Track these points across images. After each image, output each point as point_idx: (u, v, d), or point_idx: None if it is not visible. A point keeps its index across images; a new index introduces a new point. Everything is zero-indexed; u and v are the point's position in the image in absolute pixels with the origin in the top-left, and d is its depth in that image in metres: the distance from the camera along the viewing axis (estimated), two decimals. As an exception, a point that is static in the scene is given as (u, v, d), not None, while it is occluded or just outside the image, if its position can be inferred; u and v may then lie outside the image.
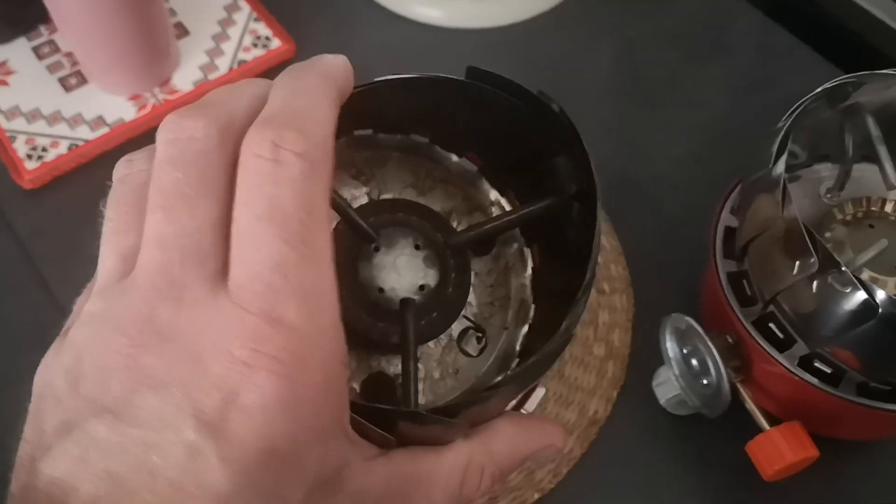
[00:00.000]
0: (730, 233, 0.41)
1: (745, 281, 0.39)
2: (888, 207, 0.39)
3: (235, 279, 0.21)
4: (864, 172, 0.41)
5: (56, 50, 0.55)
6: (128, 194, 0.23)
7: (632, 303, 0.47)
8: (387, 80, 0.32)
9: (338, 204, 0.33)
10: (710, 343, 0.38)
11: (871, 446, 0.44)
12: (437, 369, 0.34)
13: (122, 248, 0.23)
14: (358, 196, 0.36)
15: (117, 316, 0.21)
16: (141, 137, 0.52)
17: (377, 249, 0.34)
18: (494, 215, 0.36)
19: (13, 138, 0.51)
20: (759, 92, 0.55)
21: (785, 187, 0.34)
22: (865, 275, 0.36)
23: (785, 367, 0.37)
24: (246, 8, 0.57)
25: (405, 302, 0.33)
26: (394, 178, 0.37)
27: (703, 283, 0.43)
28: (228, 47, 0.56)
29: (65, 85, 0.54)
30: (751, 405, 0.39)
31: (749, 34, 0.58)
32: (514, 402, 0.35)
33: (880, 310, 0.32)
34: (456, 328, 0.35)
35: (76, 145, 0.51)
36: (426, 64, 0.55)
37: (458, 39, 0.58)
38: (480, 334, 0.35)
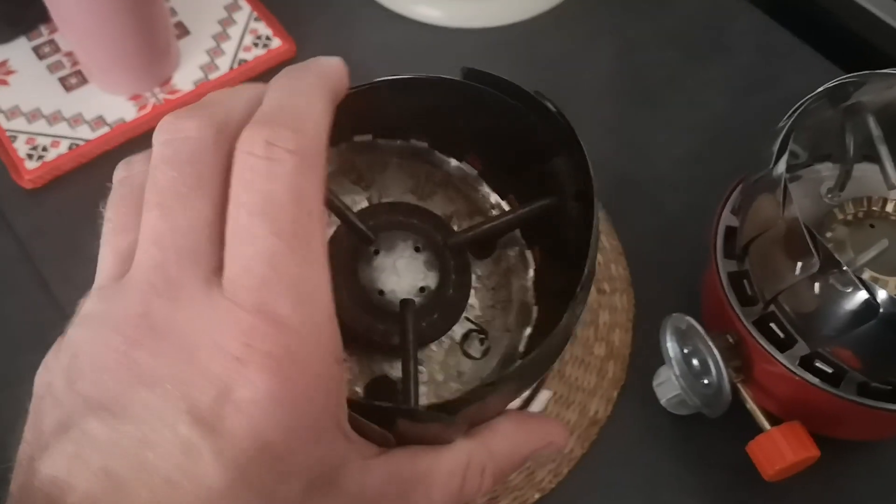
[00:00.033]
0: (730, 232, 0.41)
1: (745, 281, 0.39)
2: (889, 207, 0.39)
3: (229, 275, 0.21)
4: (865, 172, 0.41)
5: (56, 50, 0.55)
6: (126, 196, 0.24)
7: (632, 303, 0.47)
8: (385, 80, 0.32)
9: (335, 206, 0.33)
10: (710, 343, 0.38)
11: (872, 446, 0.44)
12: (441, 372, 0.34)
13: (120, 248, 0.23)
14: (359, 202, 0.36)
15: (113, 314, 0.21)
16: (141, 137, 0.52)
17: (377, 252, 0.34)
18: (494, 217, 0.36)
19: (13, 138, 0.51)
20: (759, 92, 0.55)
21: (786, 187, 0.34)
22: (866, 274, 0.36)
23: (786, 366, 0.37)
24: (246, 7, 0.57)
25: (405, 302, 0.33)
26: (394, 183, 0.37)
27: (703, 282, 0.43)
28: (229, 47, 0.56)
29: (65, 85, 0.54)
30: (751, 405, 0.39)
31: (749, 34, 0.58)
32: (518, 404, 0.35)
33: (881, 310, 0.32)
34: (458, 331, 0.35)
35: (76, 145, 0.51)
36: (426, 64, 0.55)
37: (458, 39, 0.58)
38: (483, 336, 0.35)
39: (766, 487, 0.39)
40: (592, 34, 0.58)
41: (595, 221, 0.29)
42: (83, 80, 0.54)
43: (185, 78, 0.54)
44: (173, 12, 0.57)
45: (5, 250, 0.49)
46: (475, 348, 0.35)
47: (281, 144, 0.21)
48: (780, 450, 0.37)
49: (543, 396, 0.42)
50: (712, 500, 0.42)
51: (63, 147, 0.51)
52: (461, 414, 0.26)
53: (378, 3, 0.59)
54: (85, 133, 0.52)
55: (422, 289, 0.33)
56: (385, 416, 0.25)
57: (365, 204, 0.36)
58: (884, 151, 0.39)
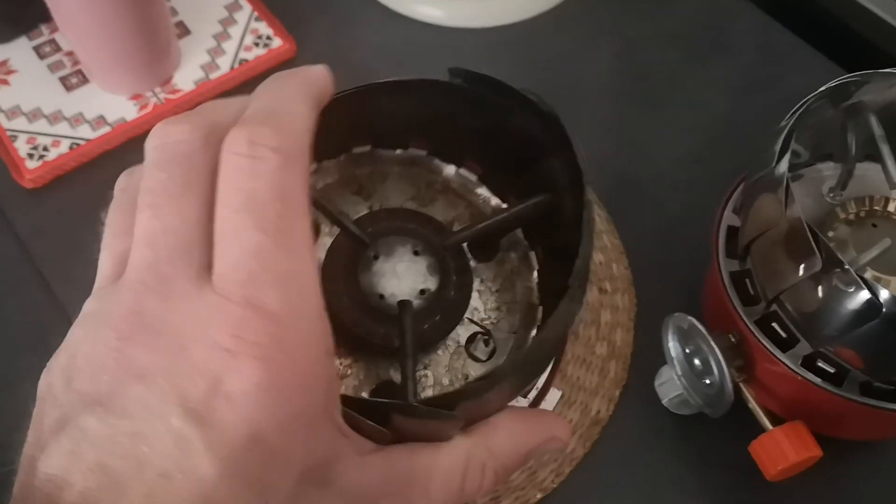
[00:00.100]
0: (732, 232, 0.41)
1: (747, 280, 0.39)
2: (891, 206, 0.39)
3: (218, 271, 0.22)
4: (866, 171, 0.41)
5: (57, 49, 0.55)
6: (124, 203, 0.25)
7: (634, 302, 0.47)
8: (380, 83, 0.32)
9: (330, 212, 0.33)
10: (712, 342, 0.38)
11: (875, 446, 0.44)
12: (447, 375, 0.34)
13: (118, 251, 0.24)
14: (360, 212, 0.37)
15: (108, 313, 0.22)
16: (142, 137, 0.52)
17: (376, 257, 0.34)
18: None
19: (14, 137, 0.51)
20: (759, 92, 0.55)
21: (788, 186, 0.34)
22: (869, 274, 0.36)
23: (788, 366, 0.37)
24: (247, 7, 0.57)
25: (403, 303, 0.33)
26: (395, 192, 0.37)
27: (705, 282, 0.43)
28: (230, 46, 0.56)
29: (66, 84, 0.54)
30: (754, 405, 0.39)
31: (750, 34, 0.58)
32: (527, 405, 0.35)
33: (884, 309, 0.32)
34: (463, 334, 0.35)
35: (77, 144, 0.51)
36: (426, 64, 0.55)
37: (458, 39, 0.58)
38: (487, 337, 0.35)
39: (769, 487, 0.39)
40: (592, 34, 0.58)
41: (586, 210, 0.29)
42: (84, 80, 0.54)
43: (185, 77, 0.54)
44: (174, 12, 0.57)
45: (6, 250, 0.48)
46: (481, 350, 0.35)
47: (264, 143, 0.22)
48: (782, 449, 0.37)
49: (552, 397, 0.42)
50: (714, 499, 0.42)
51: (64, 147, 0.51)
52: (457, 409, 0.26)
53: (379, 2, 0.59)
54: (86, 132, 0.51)
55: (422, 291, 0.33)
56: (381, 412, 0.25)
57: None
58: (886, 150, 0.39)
